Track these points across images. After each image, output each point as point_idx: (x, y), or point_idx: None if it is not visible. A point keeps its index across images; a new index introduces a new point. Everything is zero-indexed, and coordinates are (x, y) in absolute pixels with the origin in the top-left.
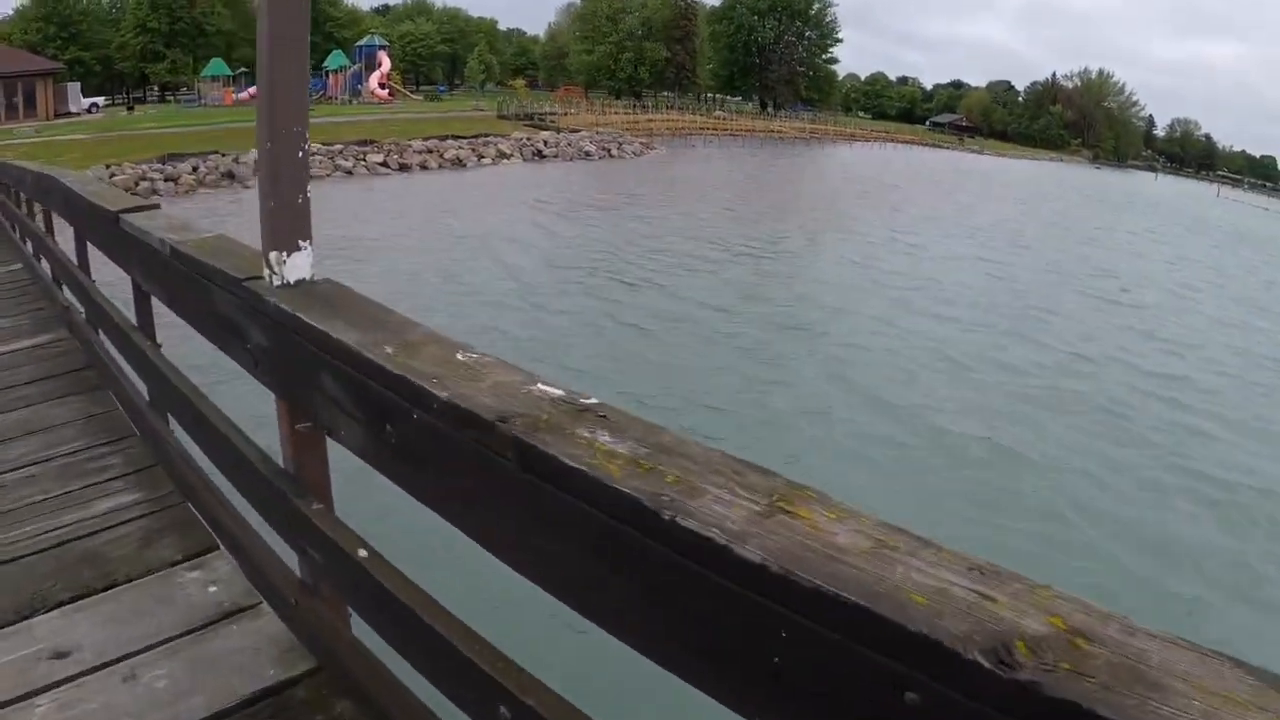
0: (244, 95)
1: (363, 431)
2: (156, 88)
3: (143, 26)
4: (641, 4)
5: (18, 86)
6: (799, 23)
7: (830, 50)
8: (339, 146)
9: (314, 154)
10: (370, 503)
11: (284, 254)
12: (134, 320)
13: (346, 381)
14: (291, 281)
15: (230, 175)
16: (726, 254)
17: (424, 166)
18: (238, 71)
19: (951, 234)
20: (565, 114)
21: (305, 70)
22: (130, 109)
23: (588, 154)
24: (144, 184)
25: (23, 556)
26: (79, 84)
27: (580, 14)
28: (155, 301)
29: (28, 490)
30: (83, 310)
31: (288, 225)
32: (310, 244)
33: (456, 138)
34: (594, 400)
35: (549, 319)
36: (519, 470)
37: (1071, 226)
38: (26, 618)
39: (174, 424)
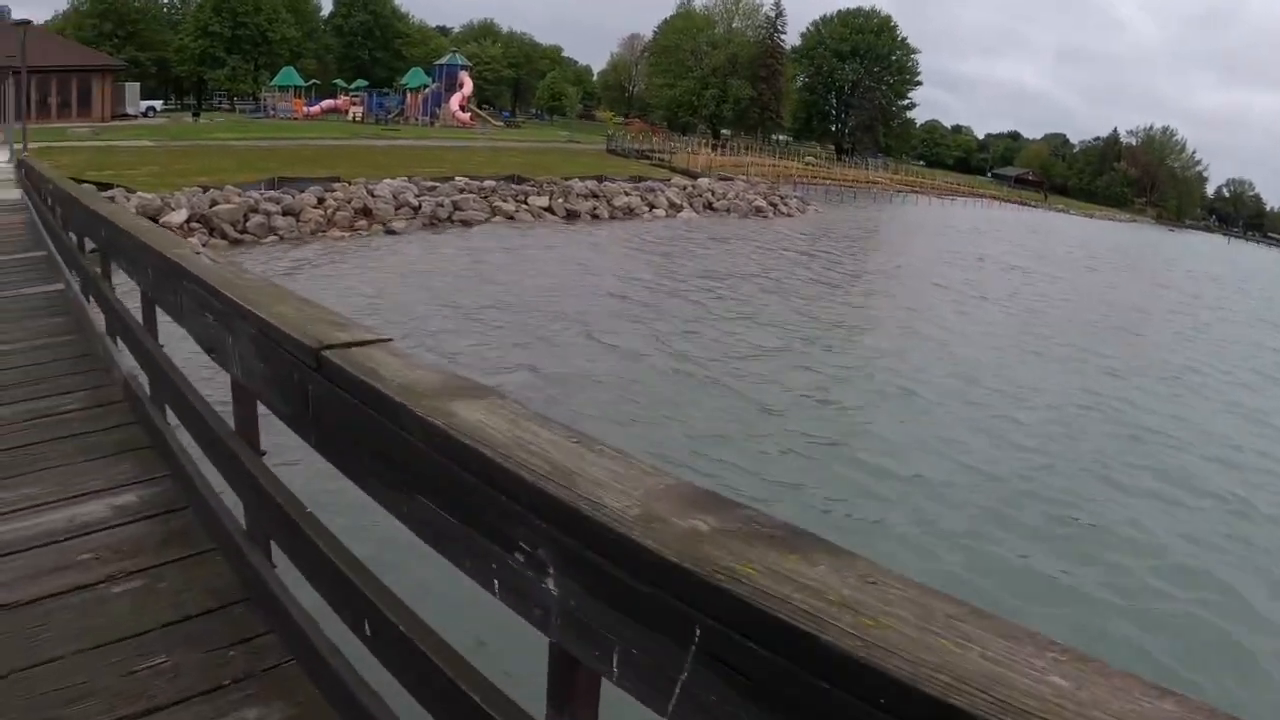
0: (315, 109)
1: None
2: (218, 95)
3: (204, 30)
4: (726, 40)
5: (73, 83)
6: (878, 68)
7: (908, 97)
8: (491, 183)
9: (461, 190)
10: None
11: None
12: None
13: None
14: None
15: (367, 212)
16: None
17: (594, 214)
18: (309, 83)
19: None
20: (675, 153)
21: None
22: (196, 116)
23: (759, 209)
24: (256, 217)
25: None
26: (138, 85)
27: (660, 47)
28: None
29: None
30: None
31: None
32: None
33: (610, 179)
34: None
35: None
36: None
37: None
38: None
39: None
